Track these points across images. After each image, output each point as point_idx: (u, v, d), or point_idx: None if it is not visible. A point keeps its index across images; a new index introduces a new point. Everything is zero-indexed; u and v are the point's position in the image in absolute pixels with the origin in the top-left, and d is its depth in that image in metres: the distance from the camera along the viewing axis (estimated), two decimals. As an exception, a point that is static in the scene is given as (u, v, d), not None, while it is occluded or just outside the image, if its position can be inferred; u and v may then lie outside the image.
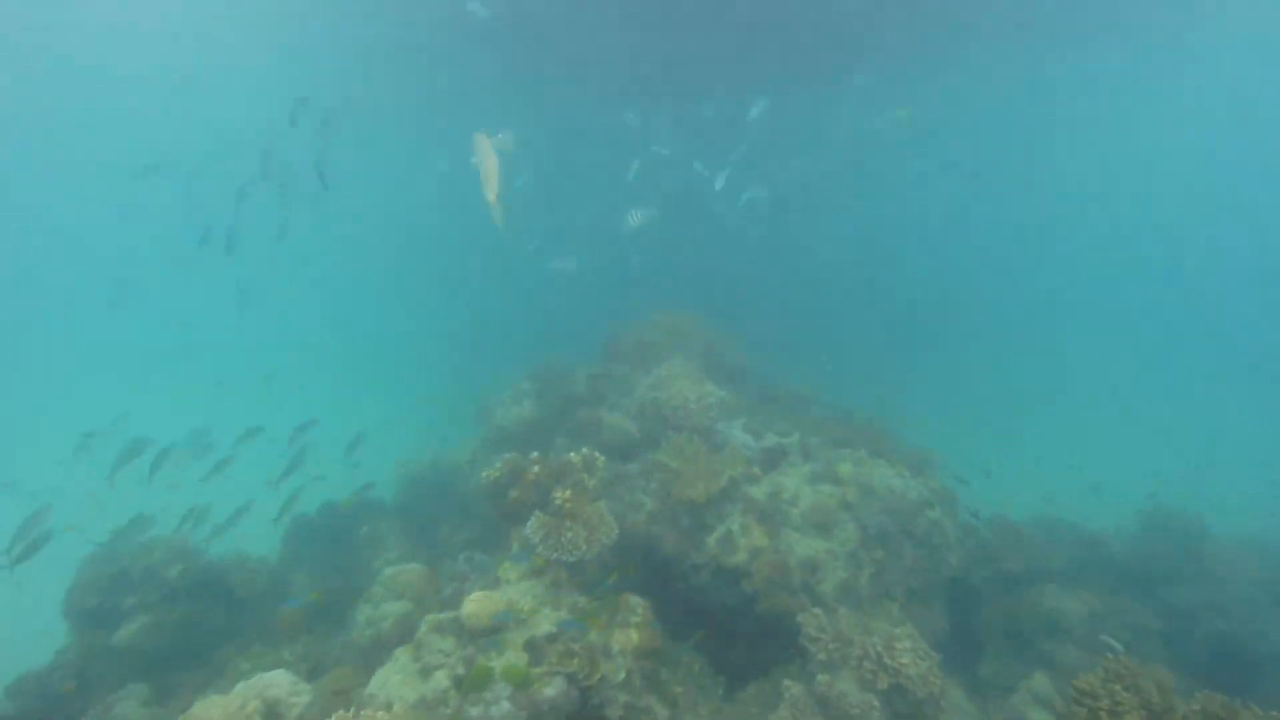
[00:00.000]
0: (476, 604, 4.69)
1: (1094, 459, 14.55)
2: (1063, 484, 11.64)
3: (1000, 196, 27.73)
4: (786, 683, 5.06)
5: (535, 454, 5.73)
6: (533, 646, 4.68)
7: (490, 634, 4.67)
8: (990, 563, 6.96)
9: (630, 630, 4.89)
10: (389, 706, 4.29)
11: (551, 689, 4.33)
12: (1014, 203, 28.95)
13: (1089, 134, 23.20)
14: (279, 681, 4.24)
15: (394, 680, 4.51)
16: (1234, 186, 29.99)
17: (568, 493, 5.26)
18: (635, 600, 5.10)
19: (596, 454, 5.76)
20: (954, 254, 29.70)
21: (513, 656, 4.59)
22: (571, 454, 5.64)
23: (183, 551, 6.49)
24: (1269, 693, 5.85)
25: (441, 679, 4.46)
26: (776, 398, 8.38)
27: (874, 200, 24.73)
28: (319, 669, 5.58)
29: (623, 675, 4.70)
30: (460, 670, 4.52)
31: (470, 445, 8.45)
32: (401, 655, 4.72)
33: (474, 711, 4.12)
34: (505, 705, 4.12)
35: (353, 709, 3.47)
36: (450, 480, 8.05)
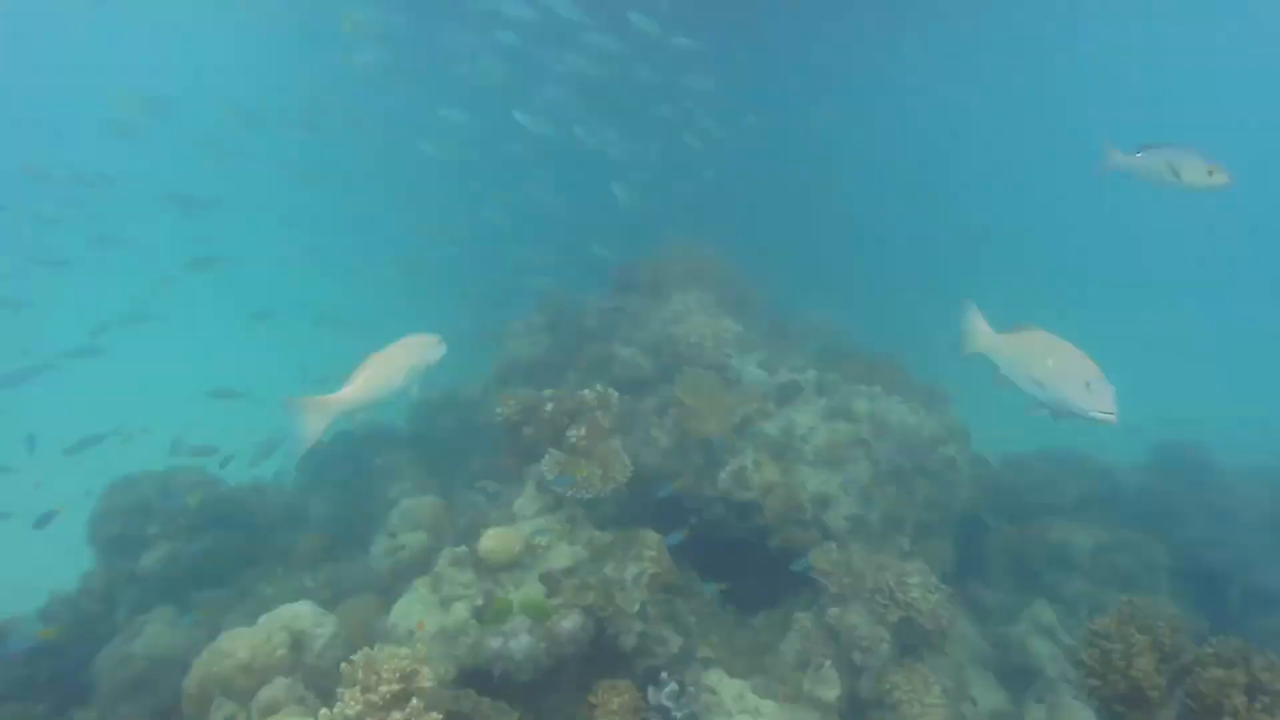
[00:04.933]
0: (493, 539, 4.74)
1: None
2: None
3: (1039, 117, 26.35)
4: (797, 614, 5.17)
5: (549, 391, 5.68)
6: (549, 580, 4.75)
7: (507, 568, 4.74)
8: (1000, 496, 7.01)
9: (644, 563, 4.95)
10: (410, 636, 4.40)
11: (569, 621, 4.42)
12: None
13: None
14: (303, 613, 4.33)
15: (414, 611, 4.60)
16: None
17: (583, 430, 5.24)
18: (650, 535, 5.15)
19: (611, 390, 5.70)
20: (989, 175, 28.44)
21: (531, 590, 4.67)
22: (586, 391, 5.59)
23: (200, 480, 6.59)
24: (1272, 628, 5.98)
25: (461, 611, 4.54)
26: (793, 331, 8.27)
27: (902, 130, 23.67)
28: (340, 596, 5.71)
29: (637, 607, 4.79)
30: (479, 602, 4.60)
31: (481, 379, 8.41)
32: (421, 587, 4.79)
33: (494, 643, 4.22)
34: (525, 638, 4.21)
35: (375, 644, 3.53)
36: (465, 412, 8.04)
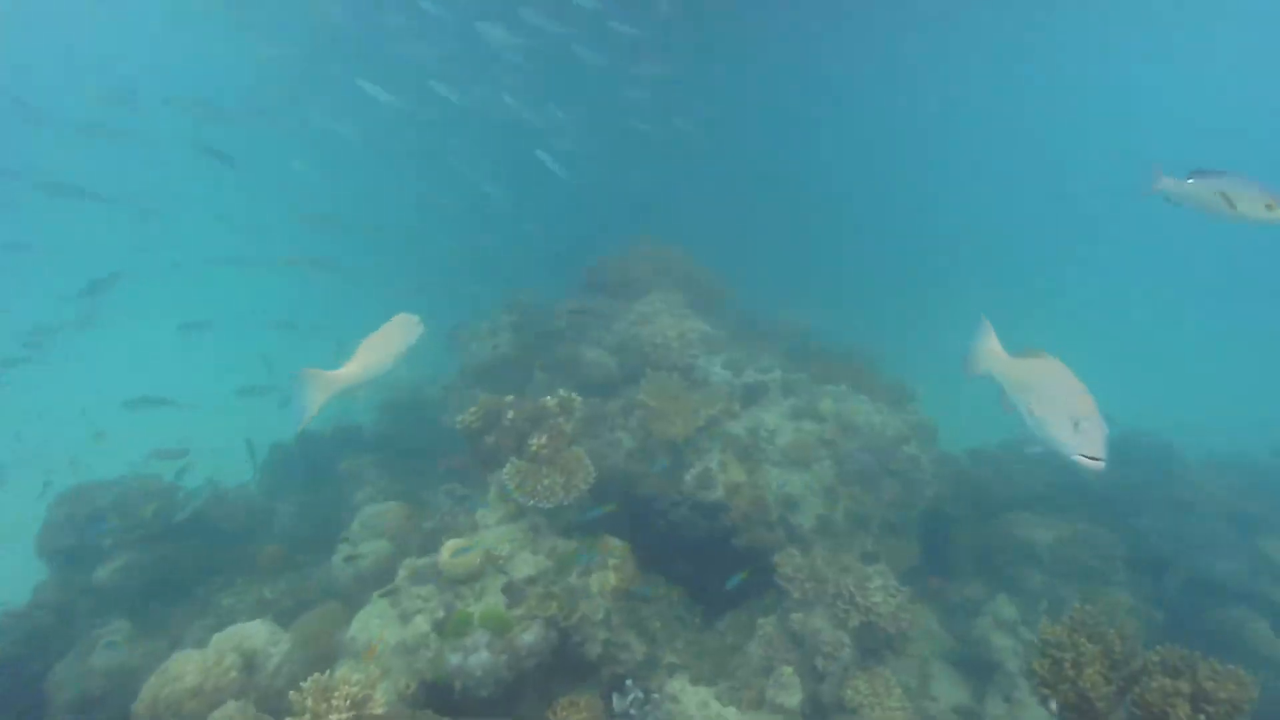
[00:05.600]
0: (453, 551, 4.68)
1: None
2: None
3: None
4: (760, 620, 5.19)
5: (510, 397, 5.61)
6: (512, 590, 4.72)
7: (468, 580, 4.69)
8: (966, 492, 7.08)
9: (608, 572, 4.94)
10: (369, 650, 4.34)
11: (530, 634, 4.39)
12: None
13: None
14: (256, 632, 4.26)
15: (373, 624, 4.54)
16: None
17: (544, 438, 5.18)
18: (614, 542, 5.13)
19: (574, 396, 5.64)
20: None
21: (492, 601, 4.62)
22: (548, 397, 5.52)
23: (156, 490, 6.44)
24: (1223, 619, 6.12)
25: (421, 624, 4.50)
26: (760, 330, 8.25)
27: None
28: (303, 606, 5.62)
29: (601, 615, 4.79)
30: (440, 614, 4.56)
31: (446, 379, 8.30)
32: (381, 599, 4.74)
33: (453, 659, 4.17)
34: (484, 654, 4.17)
35: (335, 659, 3.48)
36: (429, 413, 7.95)
